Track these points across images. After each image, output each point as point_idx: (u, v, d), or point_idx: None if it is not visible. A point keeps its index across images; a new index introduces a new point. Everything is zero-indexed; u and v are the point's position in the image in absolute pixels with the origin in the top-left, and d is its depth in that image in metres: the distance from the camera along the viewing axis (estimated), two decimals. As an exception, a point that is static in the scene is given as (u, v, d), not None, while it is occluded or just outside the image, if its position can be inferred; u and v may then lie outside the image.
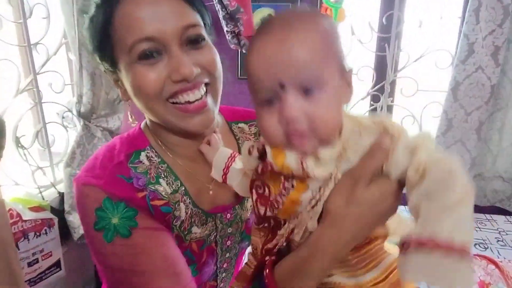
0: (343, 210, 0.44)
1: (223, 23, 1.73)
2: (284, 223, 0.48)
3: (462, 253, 0.37)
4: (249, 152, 0.49)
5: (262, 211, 0.49)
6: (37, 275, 1.49)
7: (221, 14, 1.72)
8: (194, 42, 0.56)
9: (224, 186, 0.60)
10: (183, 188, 0.63)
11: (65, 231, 1.62)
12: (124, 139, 0.64)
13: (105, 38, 0.55)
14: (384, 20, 1.88)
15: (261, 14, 1.91)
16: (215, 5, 1.71)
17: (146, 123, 0.67)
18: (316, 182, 0.45)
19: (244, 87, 2.06)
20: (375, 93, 2.02)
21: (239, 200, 0.69)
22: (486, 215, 1.91)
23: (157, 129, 0.63)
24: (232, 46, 1.81)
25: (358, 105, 2.07)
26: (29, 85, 1.57)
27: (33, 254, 1.46)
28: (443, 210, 0.39)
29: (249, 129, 0.75)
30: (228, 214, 0.68)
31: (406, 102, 2.03)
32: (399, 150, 0.43)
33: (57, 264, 1.57)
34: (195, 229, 0.64)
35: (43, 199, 1.58)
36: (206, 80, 0.59)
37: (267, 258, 0.49)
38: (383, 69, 1.97)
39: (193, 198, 0.64)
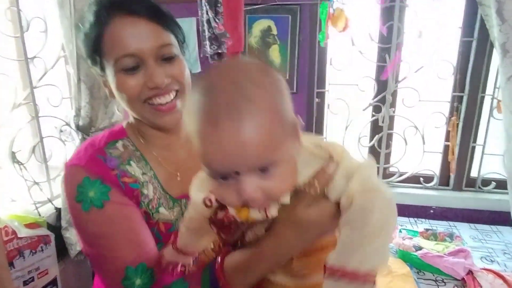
0: (284, 225, 0.53)
1: (207, 43, 1.74)
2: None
3: (366, 278, 0.44)
4: (206, 205, 0.53)
5: (225, 236, 0.56)
6: (33, 294, 1.45)
7: (206, 34, 1.72)
8: (167, 58, 0.69)
9: (191, 174, 0.64)
10: (153, 173, 0.75)
11: (62, 248, 1.58)
12: (107, 132, 0.77)
13: (96, 50, 0.68)
14: (384, 31, 1.87)
15: (260, 26, 1.91)
16: (202, 24, 1.71)
17: (128, 121, 0.79)
18: None
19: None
20: (377, 103, 2.00)
21: None
22: (491, 226, 1.88)
23: (138, 124, 0.76)
24: (211, 62, 1.82)
25: (360, 116, 2.06)
26: (26, 99, 1.55)
27: (29, 272, 1.42)
28: (358, 241, 0.45)
29: None
30: None
31: (408, 113, 2.01)
32: (338, 176, 0.49)
33: (53, 282, 1.53)
34: (162, 210, 0.74)
35: (40, 215, 1.54)
36: (176, 87, 0.72)
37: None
38: (384, 79, 1.96)
39: (162, 182, 0.76)
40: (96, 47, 0.68)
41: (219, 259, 0.59)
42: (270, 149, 0.44)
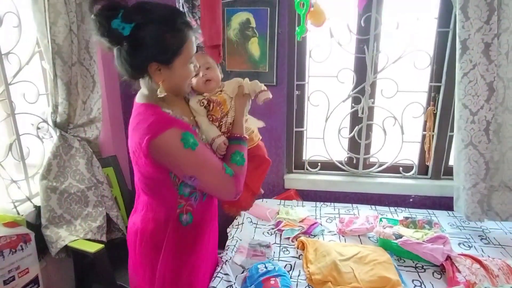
0: (237, 108, 1.15)
1: None
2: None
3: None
4: (201, 104, 1.11)
5: (215, 124, 1.13)
6: (14, 293, 1.44)
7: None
8: None
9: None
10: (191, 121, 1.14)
11: (42, 246, 1.57)
12: (144, 110, 1.03)
13: (178, 50, 0.98)
14: (362, 22, 1.89)
15: (239, 18, 1.90)
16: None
17: (152, 100, 1.05)
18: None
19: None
20: (356, 95, 2.03)
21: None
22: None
23: (167, 97, 1.03)
24: None
25: (340, 107, 2.08)
26: (1, 96, 1.52)
27: (9, 271, 1.41)
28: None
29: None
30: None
31: (387, 103, 2.04)
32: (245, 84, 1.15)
33: (35, 281, 1.51)
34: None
35: (18, 213, 1.52)
36: None
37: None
38: (363, 71, 1.98)
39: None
40: (179, 49, 0.97)
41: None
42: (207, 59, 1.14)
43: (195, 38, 1.03)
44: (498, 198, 1.81)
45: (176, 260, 1.13)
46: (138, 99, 1.07)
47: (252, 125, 1.22)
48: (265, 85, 1.17)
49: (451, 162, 2.06)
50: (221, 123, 1.13)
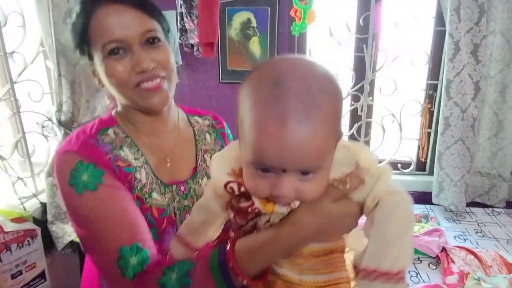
0: (305, 214, 0.52)
1: (178, 33, 1.83)
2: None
3: (399, 276, 0.47)
4: (228, 192, 0.54)
5: (240, 221, 0.55)
6: (21, 287, 1.47)
7: (178, 25, 1.80)
8: (152, 42, 0.71)
9: (180, 161, 0.77)
10: (144, 158, 0.76)
11: (48, 242, 1.60)
12: (96, 121, 0.78)
13: (84, 39, 0.70)
14: (361, 21, 1.92)
15: (240, 18, 1.93)
16: (177, 16, 1.78)
17: (116, 110, 0.81)
18: None
19: (226, 90, 2.08)
20: (355, 93, 2.06)
21: (192, 174, 0.82)
22: (465, 208, 1.97)
23: (126, 111, 0.78)
24: (184, 49, 1.91)
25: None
26: (6, 94, 1.55)
27: (16, 266, 1.44)
28: (389, 242, 0.48)
29: (203, 121, 0.92)
30: (182, 187, 0.80)
31: (386, 101, 2.08)
32: (367, 181, 0.51)
33: (41, 275, 1.55)
34: (155, 195, 0.76)
35: (25, 210, 1.55)
36: (163, 74, 0.73)
37: (231, 234, 0.59)
38: (362, 69, 2.01)
39: (153, 168, 0.77)
40: (83, 35, 0.70)
41: (229, 242, 0.56)
42: (321, 155, 0.47)
43: (126, 17, 0.68)
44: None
45: None
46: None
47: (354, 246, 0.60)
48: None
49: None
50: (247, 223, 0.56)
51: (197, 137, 0.86)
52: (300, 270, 0.55)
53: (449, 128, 1.87)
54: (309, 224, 0.52)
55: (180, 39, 1.85)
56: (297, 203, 0.51)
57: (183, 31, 1.84)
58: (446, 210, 1.97)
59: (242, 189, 0.52)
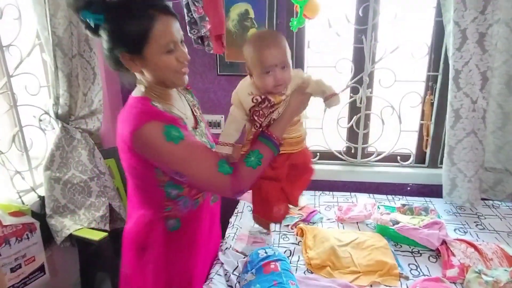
0: (292, 101, 1.00)
1: (188, 27, 1.74)
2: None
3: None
4: (254, 100, 0.97)
5: (261, 120, 0.99)
6: (21, 280, 1.48)
7: (186, 19, 1.73)
8: (181, 42, 1.00)
9: (188, 117, 1.11)
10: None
11: (47, 235, 1.60)
12: (133, 102, 0.99)
13: (144, 36, 0.91)
14: (360, 12, 1.90)
15: (238, 9, 1.91)
16: (183, 9, 1.71)
17: (141, 90, 1.02)
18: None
19: (223, 83, 2.06)
20: (354, 85, 2.04)
21: (195, 121, 1.15)
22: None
23: (154, 88, 1.01)
24: (195, 46, 1.83)
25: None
26: (3, 88, 1.54)
27: (16, 259, 1.44)
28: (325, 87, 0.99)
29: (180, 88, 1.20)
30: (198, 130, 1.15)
31: (385, 93, 2.06)
32: (310, 83, 1.00)
33: (41, 269, 1.55)
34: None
35: (23, 203, 1.55)
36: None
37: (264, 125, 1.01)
38: (361, 61, 2.00)
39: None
40: (144, 34, 0.91)
41: (264, 130, 1.00)
42: (287, 56, 0.96)
43: (175, 25, 0.95)
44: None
45: (165, 265, 1.10)
46: (133, 92, 1.05)
47: (303, 126, 1.07)
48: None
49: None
50: (266, 119, 0.99)
51: (186, 98, 1.18)
52: (287, 133, 1.03)
53: (460, 120, 1.80)
54: (295, 104, 1.00)
55: (190, 33, 1.76)
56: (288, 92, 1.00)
57: (192, 23, 1.75)
58: (446, 203, 1.96)
59: (262, 97, 0.97)
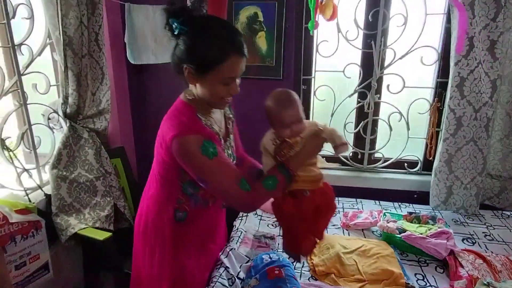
0: (308, 144, 1.12)
1: None
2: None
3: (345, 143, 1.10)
4: (274, 143, 1.14)
5: (282, 159, 1.13)
6: (25, 278, 1.48)
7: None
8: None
9: (224, 132, 1.23)
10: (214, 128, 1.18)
11: (52, 234, 1.61)
12: (181, 108, 1.12)
13: (213, 65, 1.01)
14: (370, 17, 1.89)
15: (247, 12, 1.91)
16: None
17: (189, 100, 1.13)
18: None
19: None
20: (362, 90, 2.03)
21: (225, 134, 1.26)
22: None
23: (201, 102, 1.12)
24: None
25: (346, 102, 2.08)
26: (14, 86, 1.55)
27: (21, 257, 1.45)
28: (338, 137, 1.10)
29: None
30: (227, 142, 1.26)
31: (393, 99, 2.04)
32: (324, 130, 1.11)
33: (45, 267, 1.56)
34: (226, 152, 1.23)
35: (30, 201, 1.56)
36: None
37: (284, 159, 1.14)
38: (369, 66, 1.98)
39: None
40: (214, 64, 1.01)
41: (284, 162, 1.12)
42: (300, 112, 1.11)
43: (242, 65, 1.05)
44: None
45: (172, 251, 1.20)
46: (182, 95, 1.15)
47: (320, 164, 1.20)
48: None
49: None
50: (285, 157, 1.14)
51: (224, 110, 1.27)
52: (302, 171, 1.13)
53: (461, 128, 1.81)
54: (311, 146, 1.12)
55: None
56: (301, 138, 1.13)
57: None
58: (453, 212, 1.93)
59: (281, 140, 1.13)
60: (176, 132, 1.03)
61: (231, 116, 1.31)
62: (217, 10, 1.55)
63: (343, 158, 2.17)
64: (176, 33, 1.03)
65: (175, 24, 1.02)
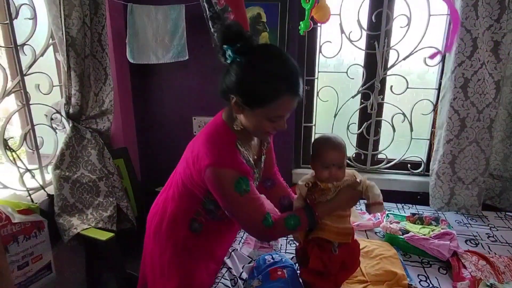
0: (342, 194, 1.12)
1: (209, 23, 1.71)
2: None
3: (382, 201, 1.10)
4: (306, 185, 1.14)
5: (310, 201, 1.14)
6: (27, 278, 1.48)
7: (208, 14, 1.69)
8: None
9: (258, 161, 1.24)
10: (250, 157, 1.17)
11: (55, 234, 1.61)
12: (223, 132, 1.08)
13: (263, 102, 0.97)
14: (373, 18, 1.88)
15: (250, 13, 1.90)
16: (202, 4, 1.70)
17: (232, 128, 1.09)
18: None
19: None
20: (365, 91, 2.02)
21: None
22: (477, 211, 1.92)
23: (244, 132, 1.09)
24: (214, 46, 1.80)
25: (349, 103, 2.08)
26: (16, 86, 1.56)
27: (23, 257, 1.45)
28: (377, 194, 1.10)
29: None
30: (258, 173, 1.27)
31: (396, 100, 2.03)
32: (361, 182, 1.11)
33: (47, 267, 1.56)
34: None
35: (32, 201, 1.56)
36: None
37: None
38: (373, 67, 1.98)
39: (252, 162, 1.19)
40: (264, 102, 0.97)
41: (312, 206, 1.13)
42: (344, 159, 1.11)
43: (294, 104, 1.01)
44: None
45: (182, 254, 1.20)
46: (224, 112, 1.12)
47: (353, 218, 1.23)
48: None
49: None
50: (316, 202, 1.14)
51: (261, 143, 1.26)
52: (332, 221, 1.12)
53: (464, 129, 1.81)
54: (344, 196, 1.12)
55: (214, 27, 1.70)
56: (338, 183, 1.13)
57: (214, 18, 1.68)
58: (457, 213, 1.93)
59: (313, 182, 1.14)
60: (212, 161, 1.00)
61: (266, 144, 1.28)
62: (235, 5, 1.55)
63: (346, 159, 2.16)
64: (228, 61, 0.98)
65: (229, 52, 0.95)
